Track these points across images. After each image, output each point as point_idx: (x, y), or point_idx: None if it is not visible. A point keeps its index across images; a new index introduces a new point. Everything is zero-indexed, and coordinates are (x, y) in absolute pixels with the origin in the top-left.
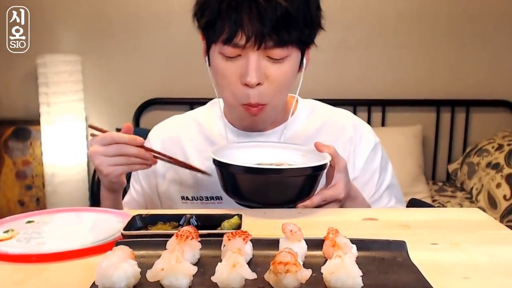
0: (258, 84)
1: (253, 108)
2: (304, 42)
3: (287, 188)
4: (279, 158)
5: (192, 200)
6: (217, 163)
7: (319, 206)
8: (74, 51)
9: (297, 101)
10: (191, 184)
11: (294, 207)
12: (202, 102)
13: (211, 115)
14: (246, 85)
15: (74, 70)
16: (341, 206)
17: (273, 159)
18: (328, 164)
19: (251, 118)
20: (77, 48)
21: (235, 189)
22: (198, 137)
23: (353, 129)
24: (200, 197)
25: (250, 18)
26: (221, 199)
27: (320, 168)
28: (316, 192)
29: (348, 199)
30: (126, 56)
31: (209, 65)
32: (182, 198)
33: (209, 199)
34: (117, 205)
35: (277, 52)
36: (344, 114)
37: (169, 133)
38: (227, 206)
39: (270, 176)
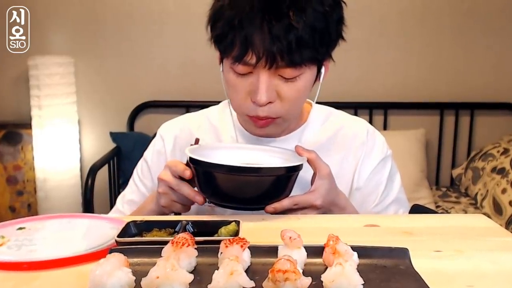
0: (269, 102)
1: (261, 120)
2: (319, 60)
3: (255, 189)
4: (258, 160)
5: None
6: (188, 159)
7: (291, 210)
8: (66, 52)
9: (311, 107)
10: None
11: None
12: (198, 105)
13: (223, 116)
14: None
15: (67, 72)
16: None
17: (252, 161)
18: (301, 167)
19: (260, 127)
20: (70, 49)
21: (202, 186)
22: (209, 137)
23: (366, 136)
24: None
25: (261, 38)
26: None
27: (290, 170)
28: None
29: (333, 208)
30: (120, 58)
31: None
32: None
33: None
34: None
35: (289, 72)
36: (359, 121)
37: (182, 129)
38: (234, 213)
39: (236, 175)
